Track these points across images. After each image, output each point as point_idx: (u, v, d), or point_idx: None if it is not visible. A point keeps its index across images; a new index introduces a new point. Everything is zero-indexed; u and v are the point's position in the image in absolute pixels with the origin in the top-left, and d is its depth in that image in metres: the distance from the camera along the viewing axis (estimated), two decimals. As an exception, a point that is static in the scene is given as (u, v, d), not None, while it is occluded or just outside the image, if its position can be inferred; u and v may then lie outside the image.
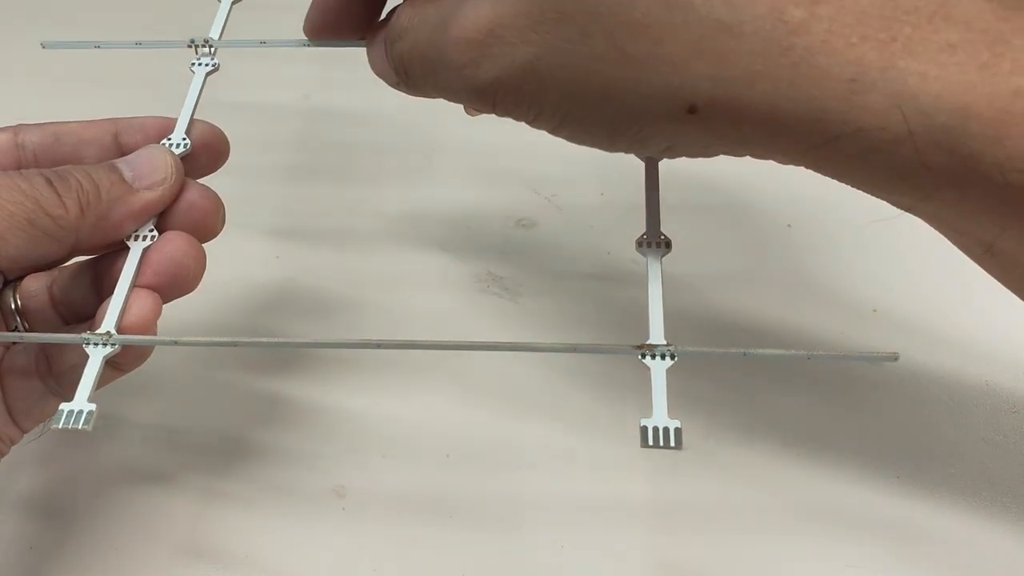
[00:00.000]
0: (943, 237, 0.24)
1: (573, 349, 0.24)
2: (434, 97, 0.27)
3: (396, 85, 0.28)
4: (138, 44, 0.32)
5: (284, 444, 0.34)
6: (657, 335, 0.24)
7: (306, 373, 0.36)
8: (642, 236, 0.26)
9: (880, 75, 0.19)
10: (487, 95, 0.23)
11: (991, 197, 0.20)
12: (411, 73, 0.26)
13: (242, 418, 0.35)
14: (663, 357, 0.23)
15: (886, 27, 0.19)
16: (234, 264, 0.39)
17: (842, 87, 0.20)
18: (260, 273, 0.40)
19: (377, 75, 0.28)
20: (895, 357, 0.22)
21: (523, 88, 0.23)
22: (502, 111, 0.24)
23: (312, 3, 0.29)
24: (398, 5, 0.27)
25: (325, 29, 0.29)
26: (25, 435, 0.29)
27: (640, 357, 0.23)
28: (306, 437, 0.34)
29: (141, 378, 0.30)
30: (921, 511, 0.31)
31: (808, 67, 0.20)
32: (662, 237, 0.26)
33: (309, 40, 0.30)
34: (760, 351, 0.23)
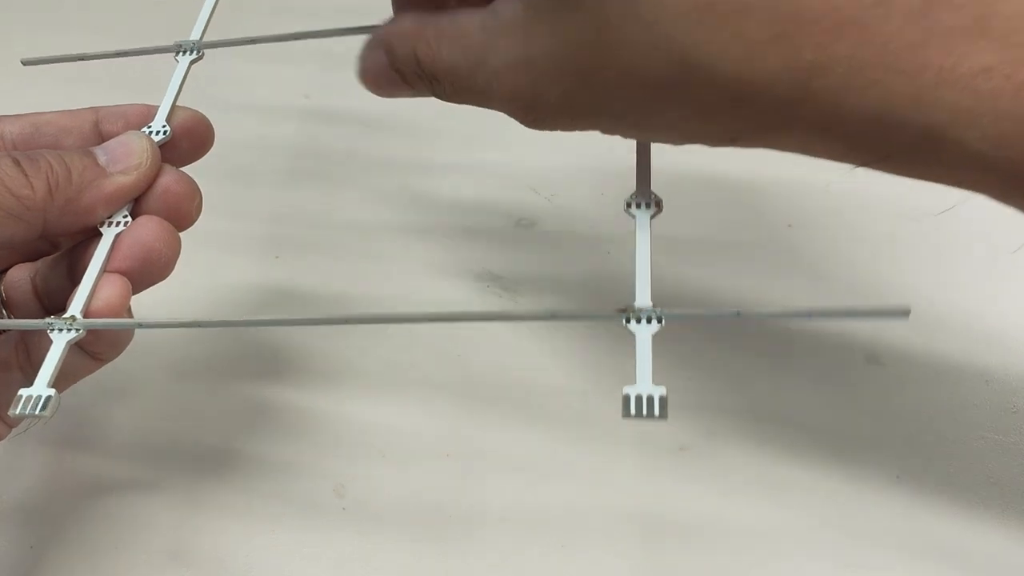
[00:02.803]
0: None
1: (552, 316, 0.22)
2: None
3: (387, 91, 0.26)
4: (122, 54, 0.31)
5: (283, 444, 0.33)
6: (643, 298, 0.21)
7: (305, 373, 0.35)
8: (631, 196, 0.24)
9: (910, 110, 0.18)
10: (543, 128, 0.23)
11: None
12: (440, 87, 0.25)
13: (241, 419, 0.34)
14: (648, 321, 0.21)
15: (913, 56, 0.18)
16: (234, 264, 0.39)
17: (871, 123, 0.19)
18: (260, 273, 0.39)
19: (365, 82, 0.26)
20: (906, 312, 0.19)
21: (575, 115, 0.23)
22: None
23: None
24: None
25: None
26: (12, 430, 0.28)
27: (624, 322, 0.21)
28: (305, 437, 0.33)
29: (139, 379, 0.30)
30: (921, 510, 0.30)
31: (834, 108, 0.19)
32: (652, 196, 0.24)
33: (311, 32, 0.29)
34: (755, 312, 0.21)
